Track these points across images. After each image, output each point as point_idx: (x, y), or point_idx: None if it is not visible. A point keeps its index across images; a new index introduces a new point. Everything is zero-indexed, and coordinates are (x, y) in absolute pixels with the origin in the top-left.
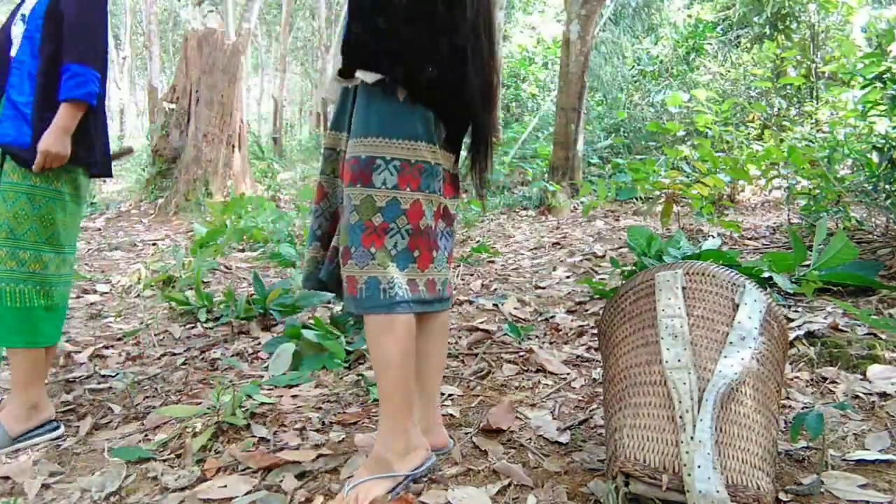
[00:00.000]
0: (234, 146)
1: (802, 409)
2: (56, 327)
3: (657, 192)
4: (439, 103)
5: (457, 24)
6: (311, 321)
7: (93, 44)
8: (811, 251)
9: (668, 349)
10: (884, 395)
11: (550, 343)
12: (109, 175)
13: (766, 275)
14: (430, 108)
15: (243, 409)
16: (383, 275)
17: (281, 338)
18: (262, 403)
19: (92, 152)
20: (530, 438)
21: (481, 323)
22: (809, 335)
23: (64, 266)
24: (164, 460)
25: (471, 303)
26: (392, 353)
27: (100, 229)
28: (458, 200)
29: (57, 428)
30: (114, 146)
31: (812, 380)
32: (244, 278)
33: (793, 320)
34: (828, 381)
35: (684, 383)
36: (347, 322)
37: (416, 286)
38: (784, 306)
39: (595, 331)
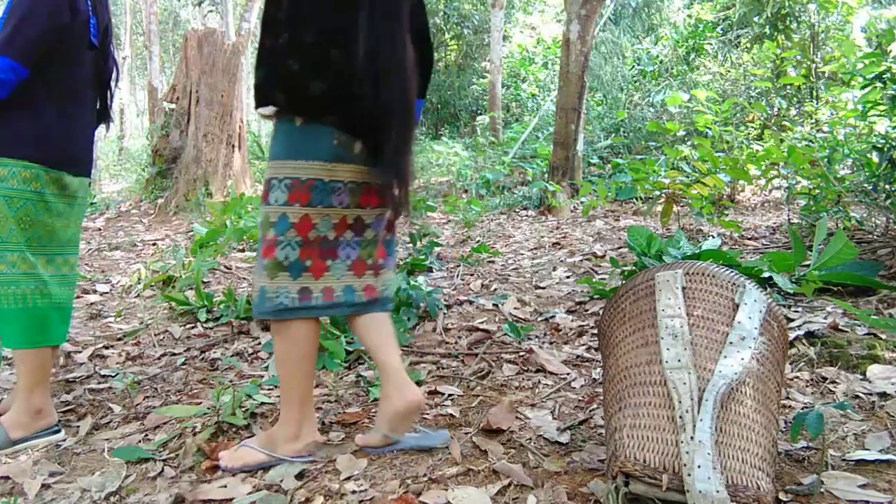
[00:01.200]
0: (234, 146)
1: (802, 409)
2: (61, 328)
3: (657, 192)
4: (337, 119)
5: (344, 43)
6: None
7: (12, 33)
8: (811, 251)
9: (668, 349)
10: (884, 395)
11: (550, 343)
12: (87, 175)
13: (766, 275)
14: (337, 127)
15: (243, 409)
16: (270, 284)
17: None
18: (262, 403)
19: (48, 148)
20: (530, 438)
21: (481, 323)
22: (809, 335)
23: (63, 266)
24: (164, 460)
25: (471, 303)
26: (285, 354)
27: (100, 229)
28: (381, 210)
29: (58, 432)
30: (114, 146)
31: (812, 380)
32: (244, 278)
33: (793, 320)
34: (828, 381)
35: (684, 383)
36: (347, 322)
37: (309, 294)
38: (784, 306)
39: (595, 331)
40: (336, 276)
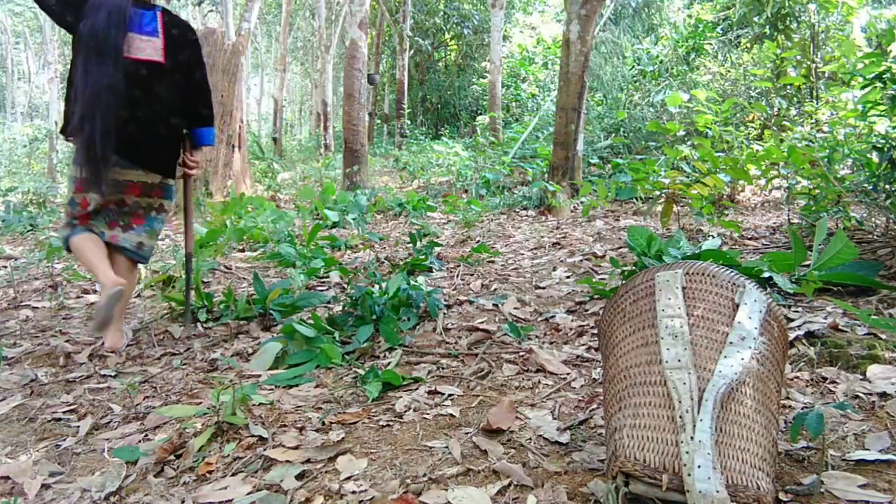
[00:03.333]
0: (234, 146)
1: (802, 409)
2: None
3: (657, 192)
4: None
5: (73, 84)
6: (310, 319)
7: None
8: (811, 251)
9: (667, 349)
10: (884, 395)
11: (550, 343)
12: None
13: (766, 275)
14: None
15: (243, 409)
16: (62, 231)
17: (279, 337)
18: (261, 403)
19: None
20: (530, 438)
21: (481, 323)
22: (809, 335)
23: None
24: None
25: (471, 303)
26: (79, 257)
27: None
28: (142, 198)
29: None
30: None
31: (812, 380)
32: (244, 278)
33: (793, 320)
34: (828, 381)
35: (684, 383)
36: (346, 322)
37: (74, 226)
38: (784, 306)
39: (595, 331)
40: (95, 223)
